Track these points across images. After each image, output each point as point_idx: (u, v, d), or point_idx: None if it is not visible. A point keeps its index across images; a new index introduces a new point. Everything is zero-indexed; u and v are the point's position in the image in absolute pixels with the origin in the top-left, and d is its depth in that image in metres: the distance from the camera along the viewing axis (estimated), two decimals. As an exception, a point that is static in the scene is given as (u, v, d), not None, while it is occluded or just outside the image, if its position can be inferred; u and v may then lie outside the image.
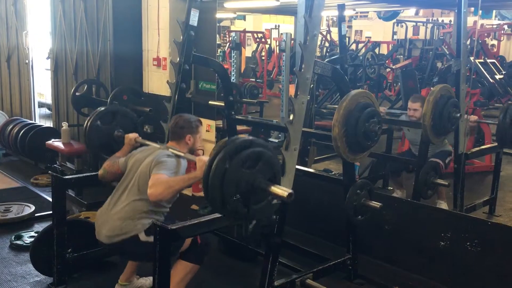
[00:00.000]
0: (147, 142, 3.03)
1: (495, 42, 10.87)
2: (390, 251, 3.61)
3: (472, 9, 6.66)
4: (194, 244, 2.75)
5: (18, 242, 3.82)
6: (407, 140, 4.91)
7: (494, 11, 12.40)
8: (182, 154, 2.74)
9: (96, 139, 3.34)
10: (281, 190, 2.06)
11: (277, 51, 11.70)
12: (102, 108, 3.44)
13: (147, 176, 2.62)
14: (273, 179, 2.14)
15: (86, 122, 3.34)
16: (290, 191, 2.05)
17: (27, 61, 7.11)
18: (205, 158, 2.48)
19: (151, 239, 2.49)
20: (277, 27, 13.02)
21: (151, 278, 2.90)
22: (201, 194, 4.91)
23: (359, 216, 3.02)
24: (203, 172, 2.21)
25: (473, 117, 4.24)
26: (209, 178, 2.01)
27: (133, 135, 3.11)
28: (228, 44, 11.94)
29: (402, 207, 3.64)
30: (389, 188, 4.97)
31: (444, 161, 4.19)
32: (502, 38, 10.87)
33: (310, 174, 3.65)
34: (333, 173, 4.90)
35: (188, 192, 4.88)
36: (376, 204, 2.98)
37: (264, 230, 3.47)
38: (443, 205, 4.23)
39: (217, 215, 2.42)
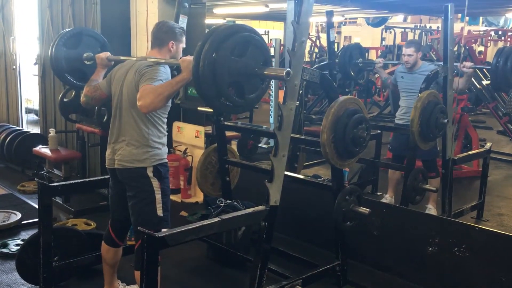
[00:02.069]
0: (121, 58, 2.91)
1: (482, 48, 10.98)
2: (379, 257, 3.62)
3: (459, 15, 6.73)
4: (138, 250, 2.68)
5: (4, 250, 3.77)
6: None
7: (481, 18, 12.56)
8: (162, 61, 2.62)
9: (64, 63, 3.11)
10: (278, 71, 1.99)
11: (267, 57, 11.70)
12: (66, 30, 3.27)
13: (135, 92, 2.54)
14: (265, 63, 2.05)
15: (50, 48, 3.17)
16: (288, 69, 1.97)
17: (14, 67, 7.05)
18: (189, 57, 2.40)
19: (155, 182, 2.60)
20: (266, 33, 13.03)
21: (136, 286, 2.88)
22: (191, 200, 4.89)
23: (348, 222, 3.02)
24: (189, 72, 2.11)
25: (468, 63, 4.18)
26: (200, 73, 1.88)
27: (104, 54, 2.98)
28: (217, 49, 11.91)
29: (391, 213, 3.65)
30: (378, 193, 4.98)
31: (434, 157, 4.17)
32: (489, 44, 10.98)
33: (299, 180, 3.65)
34: (322, 179, 4.90)
35: (177, 198, 4.85)
36: (365, 210, 2.98)
37: (253, 236, 3.48)
38: (432, 210, 4.25)
39: (206, 222, 2.41)
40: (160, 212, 2.68)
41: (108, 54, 3.00)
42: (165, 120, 2.74)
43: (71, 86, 3.61)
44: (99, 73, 2.95)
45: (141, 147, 2.64)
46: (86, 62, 3.15)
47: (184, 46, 2.83)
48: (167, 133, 2.77)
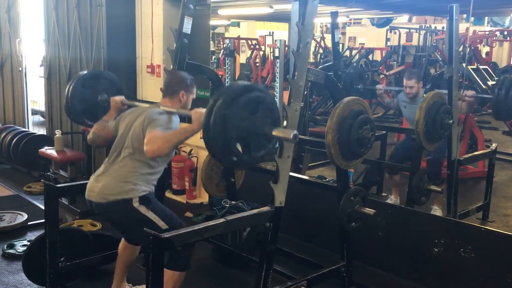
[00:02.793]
0: (135, 103, 2.96)
1: (487, 48, 10.95)
2: (384, 258, 3.61)
3: (464, 16, 6.71)
4: (175, 251, 2.67)
5: (11, 251, 3.79)
6: (405, 123, 4.86)
7: (486, 18, 12.51)
8: (174, 110, 2.67)
9: (79, 104, 3.19)
10: (285, 133, 2.02)
11: (271, 58, 11.72)
12: (85, 72, 3.33)
13: (141, 136, 2.58)
14: (274, 123, 2.09)
15: (67, 87, 3.22)
16: (294, 131, 2.00)
17: (20, 69, 7.09)
18: (201, 109, 2.43)
19: (142, 208, 2.50)
20: (271, 34, 13.03)
21: (143, 286, 2.89)
22: (196, 201, 4.90)
23: (353, 223, 3.02)
24: (200, 124, 2.15)
25: (470, 92, 4.19)
26: (210, 127, 1.93)
27: (119, 98, 3.02)
28: (222, 51, 11.96)
29: (396, 214, 3.65)
30: (383, 194, 4.98)
31: (444, 156, 4.16)
32: (494, 44, 10.94)
33: (304, 181, 3.65)
34: (327, 179, 4.90)
35: (182, 199, 4.87)
36: (370, 210, 2.98)
37: (258, 237, 3.48)
38: (438, 211, 4.24)
39: (211, 223, 2.42)
40: (164, 226, 2.64)
41: (122, 98, 3.05)
42: (163, 167, 2.76)
43: (85, 126, 3.72)
44: (111, 115, 2.99)
45: (127, 183, 2.62)
46: (101, 104, 3.22)
47: (194, 97, 2.89)
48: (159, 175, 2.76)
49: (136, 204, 2.60)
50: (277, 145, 3.80)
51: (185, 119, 2.75)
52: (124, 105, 3.02)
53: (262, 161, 2.24)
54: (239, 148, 2.03)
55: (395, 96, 5.33)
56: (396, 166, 4.63)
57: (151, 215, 2.64)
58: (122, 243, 3.02)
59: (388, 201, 4.64)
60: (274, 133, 2.03)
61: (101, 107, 3.21)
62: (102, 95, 3.21)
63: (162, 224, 2.64)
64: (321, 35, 12.84)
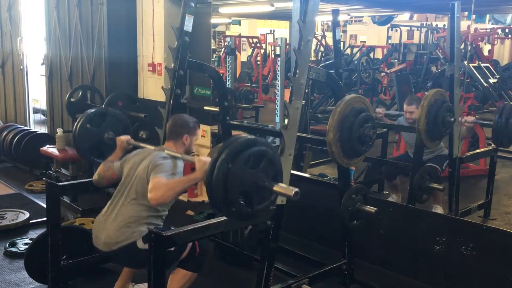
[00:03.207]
0: (140, 144, 2.99)
1: (489, 46, 10.93)
2: (386, 256, 3.61)
3: (466, 13, 6.70)
4: (193, 253, 2.73)
5: (13, 249, 3.79)
6: (403, 143, 4.92)
7: (487, 16, 12.49)
8: (179, 155, 2.71)
9: (86, 142, 3.27)
10: (286, 189, 2.05)
11: (272, 56, 11.72)
12: (92, 110, 3.40)
13: (145, 180, 2.60)
14: (276, 177, 2.12)
15: (75, 124, 3.30)
16: (296, 189, 2.03)
17: (21, 67, 7.09)
18: (204, 158, 2.48)
19: (147, 245, 2.46)
20: (272, 32, 13.03)
21: (145, 284, 2.90)
22: (197, 199, 4.91)
23: (355, 221, 3.02)
24: (203, 172, 2.20)
25: (470, 118, 4.23)
26: (213, 179, 1.98)
27: (124, 137, 3.06)
28: (223, 49, 11.97)
29: (397, 212, 3.65)
30: (384, 192, 4.98)
31: (441, 166, 4.20)
32: (495, 42, 10.92)
33: (306, 179, 3.65)
34: (328, 177, 4.90)
35: (183, 197, 4.87)
36: (371, 208, 2.98)
37: (259, 235, 3.48)
38: (439, 209, 4.24)
39: (212, 221, 2.42)
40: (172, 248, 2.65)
41: (128, 137, 3.07)
42: (167, 211, 2.78)
43: (91, 163, 3.79)
44: (117, 155, 3.02)
45: (131, 227, 2.63)
46: (107, 142, 3.27)
47: (198, 138, 2.95)
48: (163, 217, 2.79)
49: (141, 245, 2.61)
50: (278, 143, 3.80)
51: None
52: (130, 144, 3.05)
53: (263, 213, 2.28)
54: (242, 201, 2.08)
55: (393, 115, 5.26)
56: (396, 166, 4.63)
57: None
58: None
59: (390, 199, 4.64)
60: (275, 188, 2.08)
61: (107, 145, 3.26)
62: (109, 133, 3.29)
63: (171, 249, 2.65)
64: (322, 33, 12.84)
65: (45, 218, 3.10)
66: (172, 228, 2.46)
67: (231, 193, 2.00)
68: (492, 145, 4.38)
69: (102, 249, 2.69)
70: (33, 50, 7.19)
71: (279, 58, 4.71)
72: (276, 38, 11.77)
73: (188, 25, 3.31)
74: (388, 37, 12.42)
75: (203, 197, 4.84)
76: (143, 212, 2.65)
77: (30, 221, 4.31)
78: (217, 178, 1.98)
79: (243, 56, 12.77)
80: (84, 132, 3.26)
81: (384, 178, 4.87)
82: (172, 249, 2.62)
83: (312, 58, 11.29)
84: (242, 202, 2.04)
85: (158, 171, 2.55)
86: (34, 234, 4.06)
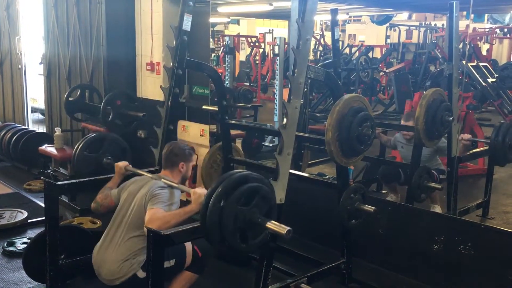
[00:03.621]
0: (138, 171, 3.03)
1: (487, 45, 10.95)
2: (384, 255, 3.62)
3: (464, 13, 6.71)
4: (196, 256, 2.79)
5: (11, 248, 3.79)
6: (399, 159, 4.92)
7: (486, 15, 12.51)
8: (175, 185, 2.76)
9: (85, 168, 3.33)
10: (279, 228, 2.09)
11: (271, 55, 11.72)
12: (90, 136, 3.42)
13: (142, 209, 2.63)
14: (269, 213, 2.17)
15: (73, 151, 3.33)
16: (288, 228, 2.07)
17: (20, 66, 7.08)
18: (200, 190, 2.54)
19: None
20: (270, 31, 13.04)
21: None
22: (195, 198, 4.90)
23: (353, 220, 3.02)
24: (199, 205, 2.27)
25: (467, 136, 4.26)
26: (207, 217, 2.04)
27: (122, 164, 3.09)
28: (222, 48, 11.95)
29: (396, 211, 3.65)
30: (383, 191, 4.98)
31: (438, 176, 4.22)
32: (494, 41, 10.95)
33: (304, 178, 3.65)
34: (327, 177, 4.90)
35: (182, 197, 4.86)
36: (370, 208, 2.98)
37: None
38: (437, 208, 4.24)
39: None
40: (173, 262, 2.70)
41: (126, 164, 3.10)
42: None
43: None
44: (115, 181, 3.05)
45: (129, 260, 2.65)
46: (105, 166, 3.35)
47: (194, 164, 3.01)
48: None
49: (141, 274, 2.63)
50: (276, 142, 3.79)
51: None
52: (128, 171, 3.07)
53: (258, 247, 2.32)
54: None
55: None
56: (394, 165, 4.64)
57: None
58: None
59: (388, 198, 4.65)
60: (268, 225, 2.12)
61: (106, 169, 3.32)
62: (107, 158, 3.30)
63: (170, 262, 2.68)
64: (321, 33, 12.85)
65: (44, 218, 3.09)
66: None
67: (225, 230, 2.04)
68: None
69: (105, 283, 2.73)
70: (32, 49, 7.18)
71: (277, 58, 4.72)
72: (275, 38, 11.79)
73: (187, 24, 3.30)
74: (387, 37, 12.44)
75: (202, 197, 4.83)
76: (140, 243, 2.65)
77: (29, 221, 4.31)
78: (210, 216, 2.02)
79: (241, 56, 12.77)
80: (83, 158, 3.30)
81: (381, 180, 4.87)
82: (172, 264, 2.67)
83: (311, 57, 11.30)
84: (236, 238, 2.08)
85: (156, 201, 2.59)
86: (32, 233, 4.06)
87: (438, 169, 4.26)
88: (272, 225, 2.11)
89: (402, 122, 4.44)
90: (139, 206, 2.67)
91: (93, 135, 3.50)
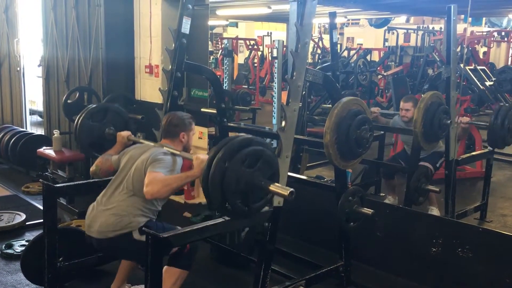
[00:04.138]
0: (140, 140, 3.01)
1: (485, 49, 10.97)
2: (382, 258, 3.62)
3: (462, 16, 6.73)
4: (181, 250, 2.71)
5: (9, 251, 3.78)
6: (400, 142, 4.93)
7: (484, 18, 12.53)
8: (178, 153, 2.72)
9: (87, 137, 3.29)
10: (282, 189, 2.06)
11: (269, 58, 11.73)
12: (93, 106, 3.41)
13: (142, 173, 2.61)
14: (273, 177, 2.13)
15: (76, 120, 3.30)
16: (291, 189, 2.04)
17: (18, 69, 7.08)
18: (202, 156, 2.48)
19: (144, 238, 2.48)
20: (269, 34, 13.05)
21: (142, 286, 2.89)
22: (194, 201, 4.90)
23: (351, 223, 3.02)
24: (201, 170, 2.20)
25: (465, 119, 4.25)
26: (209, 177, 1.99)
27: (125, 133, 3.08)
28: (220, 51, 11.96)
29: (394, 214, 3.66)
30: (381, 194, 4.99)
31: (435, 164, 4.20)
32: (492, 45, 10.97)
33: (303, 181, 3.65)
34: (325, 179, 4.91)
35: (180, 199, 4.87)
36: (368, 210, 2.99)
37: (256, 237, 3.48)
38: (435, 211, 4.25)
39: (210, 222, 2.42)
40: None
41: (129, 133, 3.11)
42: (161, 206, 2.79)
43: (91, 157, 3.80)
44: (116, 149, 3.03)
45: (127, 216, 2.63)
46: (107, 137, 3.29)
47: (194, 132, 2.96)
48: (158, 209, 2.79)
49: (136, 236, 2.61)
50: (275, 145, 3.80)
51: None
52: (130, 140, 3.07)
53: (260, 211, 2.30)
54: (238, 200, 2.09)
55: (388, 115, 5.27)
56: (394, 167, 4.64)
57: None
58: None
59: (386, 201, 4.65)
60: (271, 188, 2.09)
61: (108, 140, 3.27)
62: (109, 129, 3.29)
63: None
64: (319, 36, 12.86)
65: (42, 220, 3.09)
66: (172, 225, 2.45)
67: (227, 192, 2.00)
68: (488, 147, 4.40)
69: (95, 236, 2.67)
70: (30, 51, 7.18)
71: (276, 60, 4.72)
72: (273, 40, 11.81)
73: (186, 27, 3.31)
74: (385, 40, 12.45)
75: (200, 199, 4.83)
76: (139, 204, 2.64)
77: (27, 223, 4.30)
78: (213, 176, 1.98)
79: (240, 58, 12.77)
80: (85, 127, 3.27)
81: (382, 177, 4.87)
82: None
83: (309, 60, 11.30)
84: (238, 201, 2.04)
85: (157, 166, 2.56)
86: (30, 236, 4.05)
87: (437, 152, 4.24)
88: (275, 187, 2.08)
89: (401, 104, 4.44)
90: (139, 169, 2.65)
91: (96, 105, 3.48)
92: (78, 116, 3.30)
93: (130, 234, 2.60)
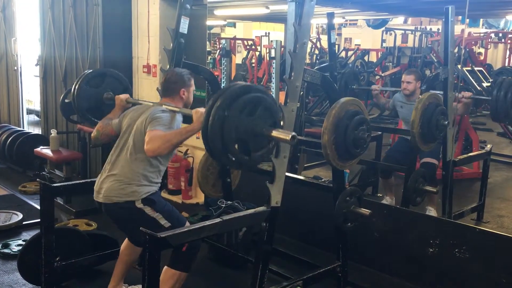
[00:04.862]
0: (139, 101, 2.99)
1: (482, 50, 11.00)
2: (380, 258, 3.63)
3: (460, 17, 6.75)
4: (179, 251, 2.69)
5: (5, 250, 3.77)
6: (400, 122, 4.90)
7: (481, 20, 12.58)
8: (177, 109, 2.71)
9: (85, 102, 3.23)
10: (284, 134, 2.03)
11: (267, 58, 11.75)
12: (90, 71, 3.37)
13: (143, 133, 2.60)
14: (274, 124, 2.11)
15: (74, 84, 3.26)
16: (293, 133, 2.01)
17: (15, 68, 7.06)
18: (202, 109, 2.46)
19: (146, 209, 2.56)
20: (267, 35, 13.07)
21: (139, 286, 2.89)
22: (191, 201, 4.90)
23: (349, 223, 3.02)
24: (200, 123, 2.18)
25: (467, 94, 4.21)
26: (209, 127, 1.96)
27: (124, 96, 3.07)
28: (218, 51, 11.98)
29: (391, 214, 3.66)
30: (378, 195, 4.99)
31: (438, 156, 4.18)
32: (489, 46, 11.00)
33: (300, 182, 3.65)
34: (323, 180, 4.91)
35: (178, 199, 4.87)
36: (365, 211, 2.99)
37: (254, 237, 3.48)
38: (433, 211, 4.26)
39: (207, 222, 2.42)
40: (167, 224, 2.67)
41: (127, 96, 3.09)
42: (165, 166, 2.78)
43: (90, 124, 3.75)
44: (116, 113, 3.02)
45: (130, 185, 2.64)
46: (106, 101, 3.25)
47: (194, 88, 2.94)
48: (162, 173, 2.79)
49: (139, 205, 2.63)
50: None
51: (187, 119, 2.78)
52: (129, 103, 3.05)
53: (262, 161, 2.25)
54: (238, 149, 2.04)
55: (391, 97, 5.34)
56: (390, 167, 4.65)
57: (154, 214, 2.67)
58: (125, 243, 3.03)
59: (384, 201, 4.66)
60: (273, 134, 2.05)
61: (106, 104, 3.24)
62: (108, 93, 3.25)
63: (165, 223, 2.66)
64: (317, 36, 12.88)
65: (39, 220, 3.09)
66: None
67: (227, 141, 1.96)
68: (485, 148, 4.41)
69: (102, 201, 2.71)
70: (28, 51, 7.16)
71: (274, 61, 4.73)
72: (271, 41, 11.81)
73: (184, 27, 3.31)
74: (383, 41, 12.48)
75: (198, 199, 4.83)
76: (141, 168, 2.65)
77: (24, 223, 4.29)
78: (212, 125, 1.94)
79: (238, 59, 12.79)
80: (83, 92, 3.22)
81: (379, 176, 4.87)
82: (166, 226, 2.64)
83: (307, 60, 11.32)
84: (239, 149, 2.00)
85: (156, 123, 2.55)
86: (27, 235, 4.04)
87: (438, 143, 4.20)
88: (277, 132, 2.05)
89: (403, 76, 4.44)
90: (140, 130, 2.65)
91: (94, 70, 3.43)
92: (76, 81, 3.25)
93: (133, 202, 2.63)
